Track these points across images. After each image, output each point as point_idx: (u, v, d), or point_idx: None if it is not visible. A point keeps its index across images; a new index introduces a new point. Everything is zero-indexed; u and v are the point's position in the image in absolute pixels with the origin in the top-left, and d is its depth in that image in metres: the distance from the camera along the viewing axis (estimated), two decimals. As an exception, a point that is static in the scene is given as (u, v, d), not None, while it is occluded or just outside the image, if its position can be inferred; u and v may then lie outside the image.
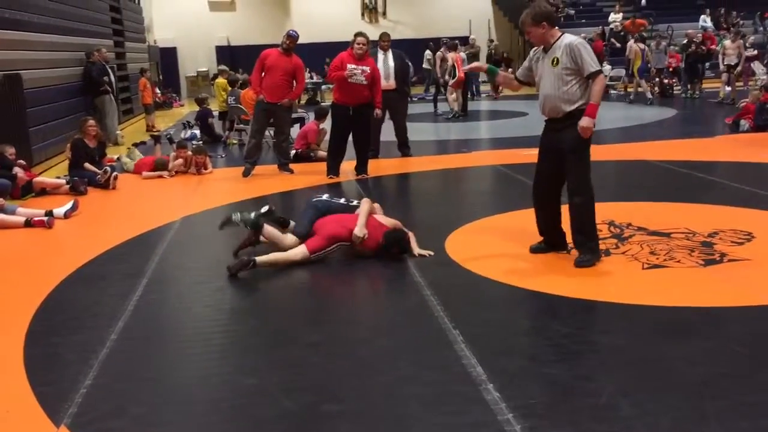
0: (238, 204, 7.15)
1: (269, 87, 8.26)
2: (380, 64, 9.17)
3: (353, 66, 7.85)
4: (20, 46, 9.74)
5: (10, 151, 7.81)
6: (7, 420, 2.94)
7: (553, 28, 4.58)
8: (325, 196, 5.56)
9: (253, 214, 5.13)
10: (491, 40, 21.02)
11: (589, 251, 4.64)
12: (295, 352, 3.50)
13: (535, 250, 4.94)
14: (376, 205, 5.35)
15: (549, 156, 4.73)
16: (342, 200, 5.50)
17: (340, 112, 8.10)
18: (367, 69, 7.93)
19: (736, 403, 2.80)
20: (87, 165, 8.28)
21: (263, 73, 8.30)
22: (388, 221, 5.15)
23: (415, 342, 3.57)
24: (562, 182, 4.77)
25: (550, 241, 4.92)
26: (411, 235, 5.07)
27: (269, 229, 5.09)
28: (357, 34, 8.10)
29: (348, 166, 8.47)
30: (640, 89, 16.02)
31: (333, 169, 8.30)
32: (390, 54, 9.43)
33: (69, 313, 4.21)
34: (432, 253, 4.98)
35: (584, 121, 4.48)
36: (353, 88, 7.91)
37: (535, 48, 4.74)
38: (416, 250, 4.98)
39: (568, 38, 4.58)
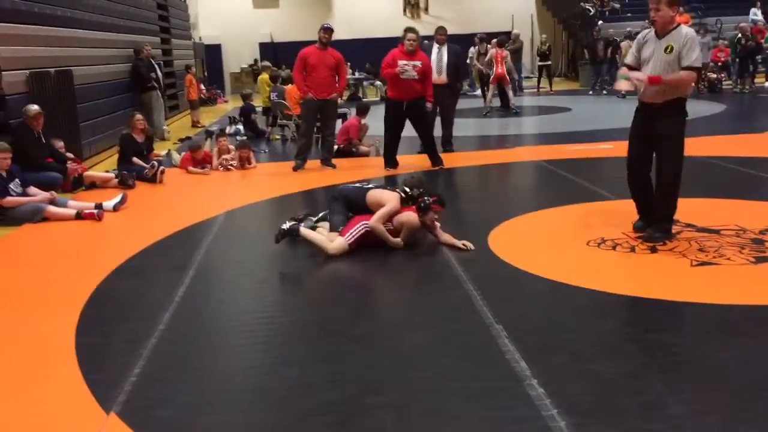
0: (280, 199, 7.23)
1: (316, 84, 8.34)
2: (434, 57, 9.14)
3: (404, 62, 7.90)
4: (71, 42, 9.97)
5: (58, 144, 8.01)
6: (60, 406, 3.02)
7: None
8: (342, 185, 5.64)
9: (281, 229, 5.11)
10: (543, 41, 20.68)
11: (662, 230, 4.92)
12: (338, 345, 3.52)
13: (637, 228, 5.12)
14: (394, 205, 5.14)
15: (640, 141, 4.94)
16: (357, 183, 5.56)
17: (394, 107, 8.16)
18: (419, 63, 7.96)
19: (789, 404, 2.74)
20: (135, 159, 8.45)
21: (305, 72, 8.37)
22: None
23: (458, 336, 3.56)
24: (651, 165, 5.02)
25: (648, 213, 5.06)
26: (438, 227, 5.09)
27: (320, 238, 5.13)
28: (407, 30, 8.13)
29: (409, 160, 8.57)
30: None
31: (390, 162, 8.40)
32: (445, 48, 9.31)
33: (118, 304, 4.31)
34: (472, 246, 4.96)
35: (639, 74, 4.77)
36: (406, 83, 7.96)
37: (645, 31, 4.97)
38: (458, 242, 4.98)
39: (686, 29, 4.78)
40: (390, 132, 8.32)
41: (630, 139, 5.03)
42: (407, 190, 5.10)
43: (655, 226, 4.96)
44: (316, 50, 8.39)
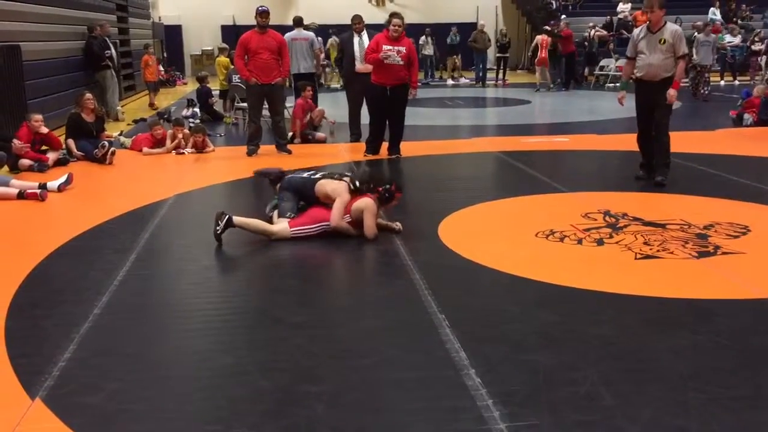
0: (233, 183, 7.11)
1: (259, 68, 8.22)
2: (356, 47, 9.06)
3: (388, 47, 7.87)
4: (20, 17, 9.67)
5: (36, 117, 7.79)
6: (-19, 391, 2.91)
7: None
8: (291, 174, 5.48)
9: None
10: (503, 34, 20.77)
11: (665, 173, 6.50)
12: (277, 332, 3.46)
13: (639, 177, 6.73)
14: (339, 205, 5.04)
15: (646, 109, 6.55)
16: (305, 174, 5.38)
17: (377, 92, 8.10)
18: (403, 49, 7.92)
19: (720, 397, 2.76)
20: (71, 143, 8.20)
21: (247, 57, 8.26)
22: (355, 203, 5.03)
23: (400, 325, 3.53)
24: (651, 126, 6.59)
25: (649, 167, 6.68)
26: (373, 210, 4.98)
27: (258, 222, 5.04)
28: (392, 15, 8.13)
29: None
30: None
31: (372, 148, 8.40)
32: (365, 36, 9.12)
33: (54, 286, 4.18)
34: (401, 227, 5.03)
35: (672, 92, 6.33)
36: (390, 68, 7.92)
37: (639, 29, 6.58)
38: (391, 224, 5.05)
39: (672, 26, 6.47)
40: (375, 118, 8.31)
41: (638, 110, 6.63)
42: (357, 184, 5.02)
43: (661, 171, 6.49)
44: (256, 34, 8.25)
